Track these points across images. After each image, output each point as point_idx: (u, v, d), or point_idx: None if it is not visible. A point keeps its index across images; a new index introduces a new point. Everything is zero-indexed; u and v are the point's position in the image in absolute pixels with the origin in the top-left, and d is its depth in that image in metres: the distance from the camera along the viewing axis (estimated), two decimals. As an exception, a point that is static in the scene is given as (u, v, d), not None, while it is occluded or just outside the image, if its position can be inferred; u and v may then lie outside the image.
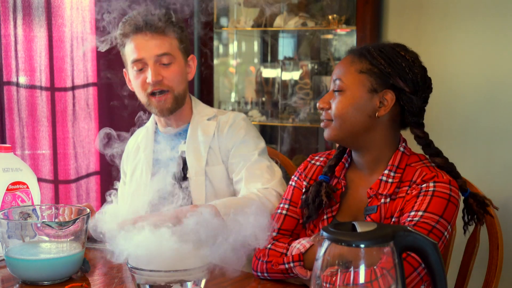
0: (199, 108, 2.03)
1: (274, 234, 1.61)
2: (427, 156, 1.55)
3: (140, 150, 2.04)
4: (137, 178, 2.01)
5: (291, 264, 1.48)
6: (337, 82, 1.51)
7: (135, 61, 1.89)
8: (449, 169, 1.51)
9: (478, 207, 1.53)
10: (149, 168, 1.97)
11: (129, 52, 1.91)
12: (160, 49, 1.88)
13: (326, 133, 1.55)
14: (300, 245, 1.50)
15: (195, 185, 1.91)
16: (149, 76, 1.87)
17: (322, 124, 1.56)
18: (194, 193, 1.90)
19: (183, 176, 1.92)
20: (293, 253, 1.49)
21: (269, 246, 1.56)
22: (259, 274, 1.55)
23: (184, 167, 1.94)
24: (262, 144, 1.95)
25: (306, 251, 1.48)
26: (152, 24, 1.88)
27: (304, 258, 1.48)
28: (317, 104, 1.55)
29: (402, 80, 1.48)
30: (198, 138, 1.95)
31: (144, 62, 1.89)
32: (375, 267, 0.94)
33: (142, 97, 1.94)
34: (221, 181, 1.94)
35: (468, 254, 1.68)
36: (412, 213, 1.41)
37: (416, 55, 1.54)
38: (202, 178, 1.92)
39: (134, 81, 1.94)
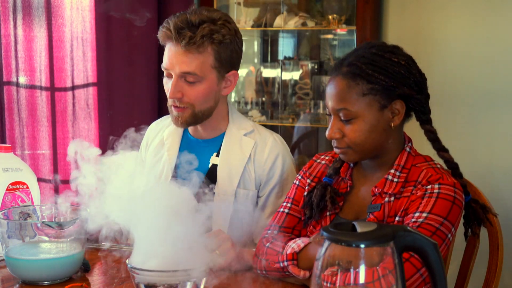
0: (236, 119, 1.91)
1: (275, 232, 1.61)
2: (432, 158, 1.55)
3: (164, 147, 1.94)
4: (155, 175, 1.91)
5: (285, 263, 1.48)
6: (343, 111, 1.47)
7: (163, 68, 1.81)
8: (455, 166, 1.52)
9: (479, 213, 1.55)
10: (170, 171, 1.89)
11: (164, 54, 1.82)
12: (187, 67, 1.75)
13: (346, 158, 1.52)
14: (295, 244, 1.50)
15: (222, 204, 1.83)
16: (170, 89, 1.79)
17: (338, 151, 1.52)
18: (218, 211, 1.82)
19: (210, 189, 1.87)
20: (288, 252, 1.49)
21: (267, 244, 1.56)
22: (259, 271, 1.55)
23: (212, 180, 1.85)
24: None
25: (300, 251, 1.48)
26: (185, 38, 1.74)
27: (297, 258, 1.47)
28: (326, 134, 1.51)
29: (407, 86, 1.47)
30: (233, 155, 1.86)
31: (170, 72, 1.79)
32: (377, 267, 0.94)
33: (168, 101, 1.85)
34: (249, 206, 1.85)
35: (468, 254, 1.68)
36: (417, 214, 1.41)
37: (403, 51, 1.52)
38: (232, 198, 1.84)
39: (164, 83, 1.85)
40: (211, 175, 1.86)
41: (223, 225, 1.84)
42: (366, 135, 1.47)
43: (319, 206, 1.56)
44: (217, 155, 1.88)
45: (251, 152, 1.86)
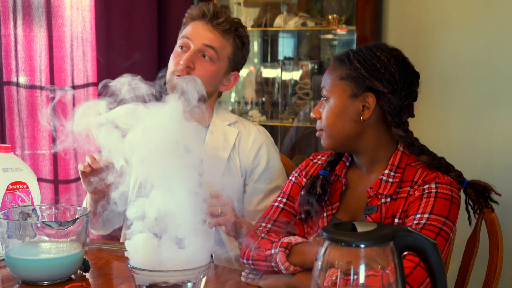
0: (220, 112, 2.00)
1: (269, 225, 1.60)
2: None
3: None
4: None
5: (277, 250, 1.45)
6: (323, 90, 1.55)
7: (183, 37, 1.89)
8: (438, 165, 1.50)
9: (477, 196, 1.53)
10: None
11: (184, 30, 1.92)
12: (210, 41, 1.87)
13: (322, 142, 1.58)
14: (293, 238, 1.48)
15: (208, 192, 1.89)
16: (183, 58, 1.86)
17: (317, 134, 1.58)
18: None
19: None
20: (284, 240, 1.47)
21: (262, 235, 1.55)
22: (245, 261, 1.53)
23: None
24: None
25: (296, 244, 1.46)
26: (219, 19, 1.87)
27: (291, 248, 1.45)
28: (311, 114, 1.59)
29: (379, 81, 1.48)
30: (218, 143, 1.92)
31: (189, 44, 1.88)
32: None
33: (168, 74, 1.90)
34: (236, 193, 1.91)
35: (468, 254, 1.68)
36: (418, 216, 1.41)
37: (396, 52, 1.52)
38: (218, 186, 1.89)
39: (172, 58, 1.92)
40: None
41: None
42: (334, 118, 1.51)
43: (310, 193, 1.56)
44: None
45: (235, 141, 1.93)
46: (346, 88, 1.50)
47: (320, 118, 1.55)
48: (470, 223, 1.60)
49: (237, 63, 1.95)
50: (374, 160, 1.54)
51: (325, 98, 1.54)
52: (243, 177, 1.93)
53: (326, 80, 1.55)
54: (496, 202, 1.57)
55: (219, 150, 1.91)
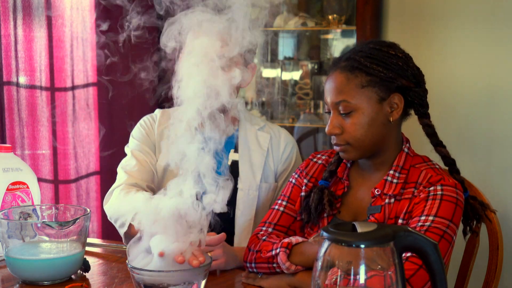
0: (247, 115, 1.98)
1: (270, 229, 1.60)
2: (429, 158, 1.55)
3: None
4: (171, 173, 1.89)
5: (278, 250, 1.46)
6: (342, 104, 1.47)
7: None
8: (452, 162, 1.52)
9: (472, 212, 1.54)
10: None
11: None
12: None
13: (346, 156, 1.52)
14: (294, 238, 1.49)
15: (246, 198, 1.88)
16: None
17: (337, 148, 1.51)
18: (242, 206, 1.87)
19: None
20: (284, 241, 1.48)
21: (264, 237, 1.56)
22: (248, 265, 1.54)
23: (234, 176, 1.85)
24: None
25: (296, 244, 1.47)
26: (214, 26, 1.78)
27: (291, 248, 1.46)
28: (326, 130, 1.51)
29: (405, 79, 1.48)
30: (252, 150, 1.92)
31: None
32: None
33: None
34: (270, 198, 1.92)
35: (468, 254, 1.68)
36: (423, 218, 1.41)
37: (397, 45, 1.53)
38: (256, 193, 1.89)
39: None
40: (232, 172, 1.89)
41: (248, 219, 1.88)
42: (365, 128, 1.47)
43: (317, 210, 1.55)
44: (235, 151, 1.92)
45: (268, 146, 1.93)
46: (371, 95, 1.46)
47: (340, 134, 1.49)
48: (465, 236, 1.61)
49: (249, 56, 1.86)
50: (381, 161, 1.54)
51: (347, 113, 1.47)
52: (276, 182, 1.94)
53: (342, 93, 1.47)
54: (490, 220, 1.59)
55: (253, 157, 1.91)
